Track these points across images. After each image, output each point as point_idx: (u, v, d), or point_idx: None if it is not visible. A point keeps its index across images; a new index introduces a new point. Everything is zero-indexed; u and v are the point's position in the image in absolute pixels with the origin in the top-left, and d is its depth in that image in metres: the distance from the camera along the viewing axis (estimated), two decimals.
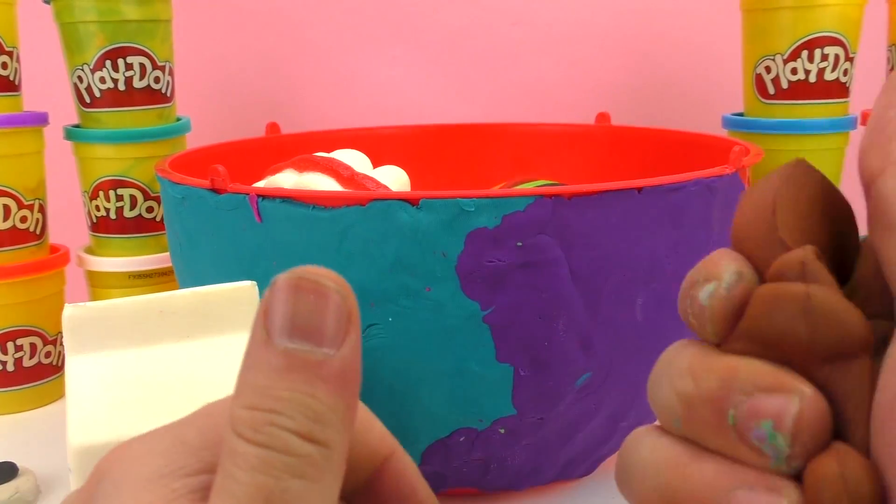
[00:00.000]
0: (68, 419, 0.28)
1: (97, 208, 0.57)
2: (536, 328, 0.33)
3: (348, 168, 0.40)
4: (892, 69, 0.54)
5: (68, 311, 0.29)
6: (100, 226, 0.57)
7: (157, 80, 0.56)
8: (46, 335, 0.55)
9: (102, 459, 0.19)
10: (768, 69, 0.53)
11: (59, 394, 0.57)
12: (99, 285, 0.58)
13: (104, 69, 0.54)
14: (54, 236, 0.58)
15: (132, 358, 0.30)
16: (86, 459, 0.27)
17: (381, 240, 0.32)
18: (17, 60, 0.54)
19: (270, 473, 0.16)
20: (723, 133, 0.56)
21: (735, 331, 0.18)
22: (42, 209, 0.56)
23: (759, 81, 0.54)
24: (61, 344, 0.57)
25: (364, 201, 0.32)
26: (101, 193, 0.56)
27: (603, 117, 0.58)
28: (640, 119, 0.73)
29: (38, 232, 0.55)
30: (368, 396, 0.35)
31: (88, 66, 0.54)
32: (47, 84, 0.60)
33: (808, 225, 0.19)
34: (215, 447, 0.18)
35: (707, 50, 0.73)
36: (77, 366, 0.29)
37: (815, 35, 0.52)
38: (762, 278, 0.18)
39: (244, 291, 0.31)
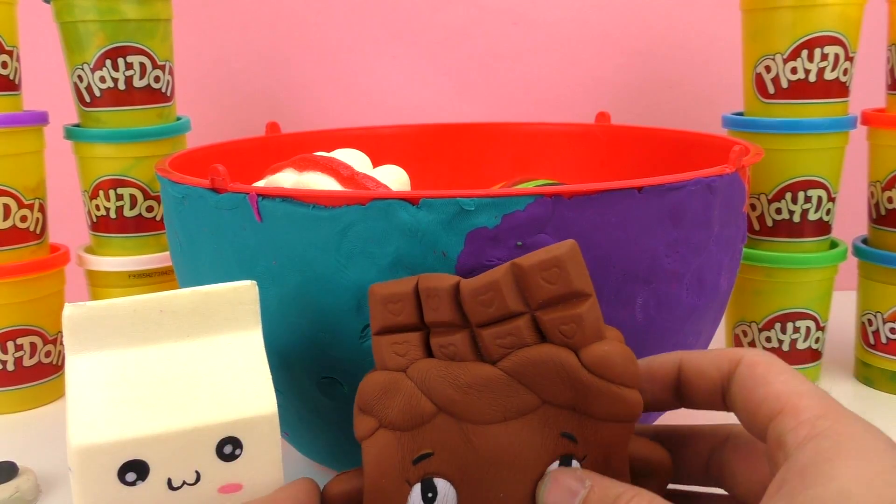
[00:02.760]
0: (68, 419, 0.28)
1: (97, 208, 0.57)
2: None
3: (348, 167, 0.40)
4: (892, 69, 0.54)
5: (68, 310, 0.29)
6: (100, 225, 0.57)
7: (157, 79, 0.56)
8: (46, 335, 0.55)
9: None
10: (768, 68, 0.53)
11: (59, 393, 0.57)
12: (99, 285, 0.58)
13: (104, 68, 0.54)
14: (54, 236, 0.59)
15: (132, 357, 0.30)
16: (86, 459, 0.27)
17: (381, 239, 0.32)
18: (17, 60, 0.54)
19: None
20: (723, 132, 0.56)
21: None
22: (42, 208, 0.56)
23: (759, 81, 0.54)
24: (61, 343, 0.57)
25: (364, 200, 0.32)
26: (101, 193, 0.56)
27: (603, 117, 0.58)
28: (640, 119, 0.73)
29: (38, 231, 0.55)
30: None
31: (88, 65, 0.54)
32: (47, 83, 0.60)
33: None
34: None
35: (707, 50, 0.73)
36: (77, 365, 0.29)
37: (815, 34, 0.52)
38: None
39: (244, 291, 0.31)
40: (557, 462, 0.27)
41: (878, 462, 0.21)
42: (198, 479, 0.29)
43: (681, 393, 0.28)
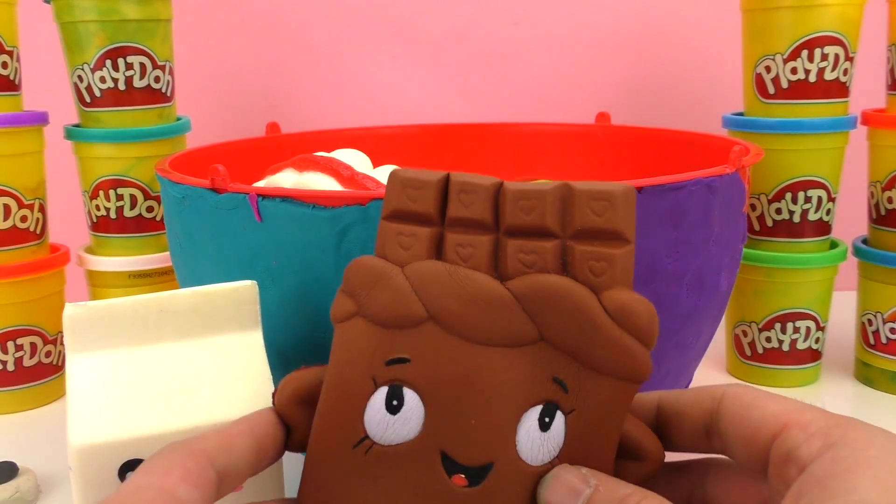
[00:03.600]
0: (69, 418, 0.28)
1: (97, 208, 0.57)
2: None
3: (348, 168, 0.40)
4: (892, 69, 0.54)
5: (69, 310, 0.29)
6: (100, 225, 0.57)
7: (157, 79, 0.56)
8: (46, 335, 0.55)
9: None
10: (768, 69, 0.53)
11: (59, 393, 0.57)
12: (99, 285, 0.58)
13: (104, 69, 0.54)
14: (54, 236, 0.59)
15: (132, 357, 0.30)
16: (87, 459, 0.28)
17: None
18: (18, 60, 0.54)
19: None
20: (723, 133, 0.56)
21: None
22: (42, 209, 0.56)
23: (759, 81, 0.54)
24: (61, 343, 0.57)
25: (364, 201, 0.32)
26: (101, 193, 0.56)
27: (603, 117, 0.58)
28: (641, 119, 0.73)
29: (38, 231, 0.55)
30: None
31: (88, 65, 0.54)
32: (47, 84, 0.60)
33: None
34: None
35: (707, 50, 0.73)
36: (78, 365, 0.29)
37: (815, 35, 0.52)
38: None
39: (244, 291, 0.31)
40: (541, 406, 0.25)
41: None
42: None
43: (660, 434, 0.27)
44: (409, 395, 0.26)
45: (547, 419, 0.25)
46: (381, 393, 0.26)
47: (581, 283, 0.25)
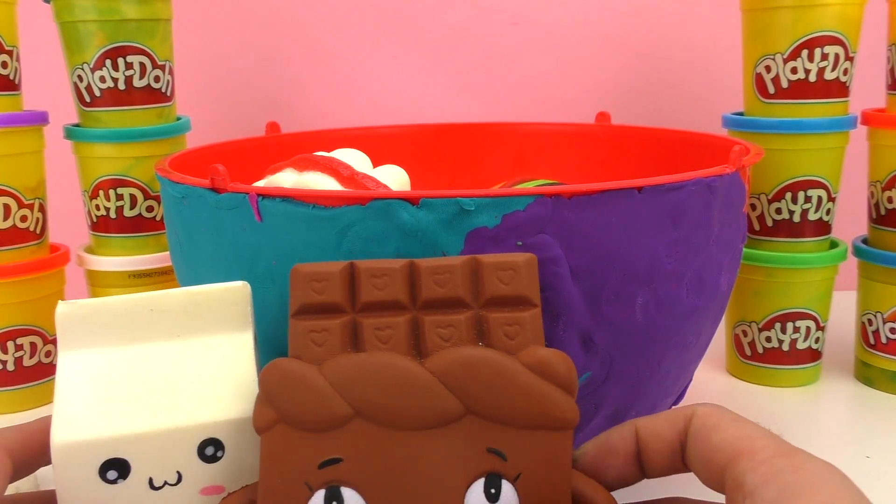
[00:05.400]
0: (54, 415, 0.28)
1: (97, 207, 0.57)
2: None
3: (348, 167, 0.40)
4: (892, 69, 0.54)
5: (61, 308, 0.29)
6: (100, 225, 0.57)
7: (157, 79, 0.56)
8: (46, 334, 0.55)
9: None
10: (768, 68, 0.53)
11: None
12: (99, 284, 0.58)
13: (104, 68, 0.54)
14: (54, 235, 0.58)
15: (121, 356, 0.29)
16: (66, 456, 0.27)
17: (381, 239, 0.32)
18: (17, 60, 0.54)
19: None
20: (723, 132, 0.56)
21: None
22: (42, 208, 0.56)
23: (759, 81, 0.54)
24: None
25: (364, 200, 0.32)
26: (101, 193, 0.56)
27: (603, 117, 0.58)
28: (640, 119, 0.73)
29: (38, 231, 0.55)
30: None
31: (88, 65, 0.54)
32: (47, 83, 0.60)
33: None
34: None
35: (707, 50, 0.73)
36: (67, 362, 0.29)
37: (816, 34, 0.52)
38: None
39: (236, 291, 0.31)
40: (483, 480, 0.26)
41: (841, 498, 0.21)
42: (179, 480, 0.28)
43: (641, 461, 0.27)
44: (349, 494, 0.26)
45: (493, 490, 0.26)
46: (319, 497, 0.26)
47: (497, 348, 0.27)
